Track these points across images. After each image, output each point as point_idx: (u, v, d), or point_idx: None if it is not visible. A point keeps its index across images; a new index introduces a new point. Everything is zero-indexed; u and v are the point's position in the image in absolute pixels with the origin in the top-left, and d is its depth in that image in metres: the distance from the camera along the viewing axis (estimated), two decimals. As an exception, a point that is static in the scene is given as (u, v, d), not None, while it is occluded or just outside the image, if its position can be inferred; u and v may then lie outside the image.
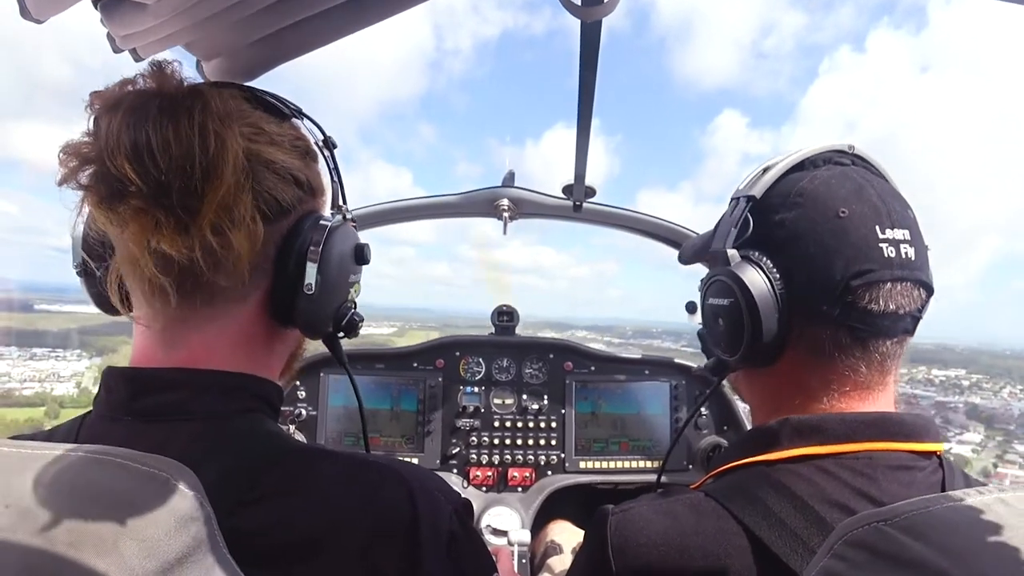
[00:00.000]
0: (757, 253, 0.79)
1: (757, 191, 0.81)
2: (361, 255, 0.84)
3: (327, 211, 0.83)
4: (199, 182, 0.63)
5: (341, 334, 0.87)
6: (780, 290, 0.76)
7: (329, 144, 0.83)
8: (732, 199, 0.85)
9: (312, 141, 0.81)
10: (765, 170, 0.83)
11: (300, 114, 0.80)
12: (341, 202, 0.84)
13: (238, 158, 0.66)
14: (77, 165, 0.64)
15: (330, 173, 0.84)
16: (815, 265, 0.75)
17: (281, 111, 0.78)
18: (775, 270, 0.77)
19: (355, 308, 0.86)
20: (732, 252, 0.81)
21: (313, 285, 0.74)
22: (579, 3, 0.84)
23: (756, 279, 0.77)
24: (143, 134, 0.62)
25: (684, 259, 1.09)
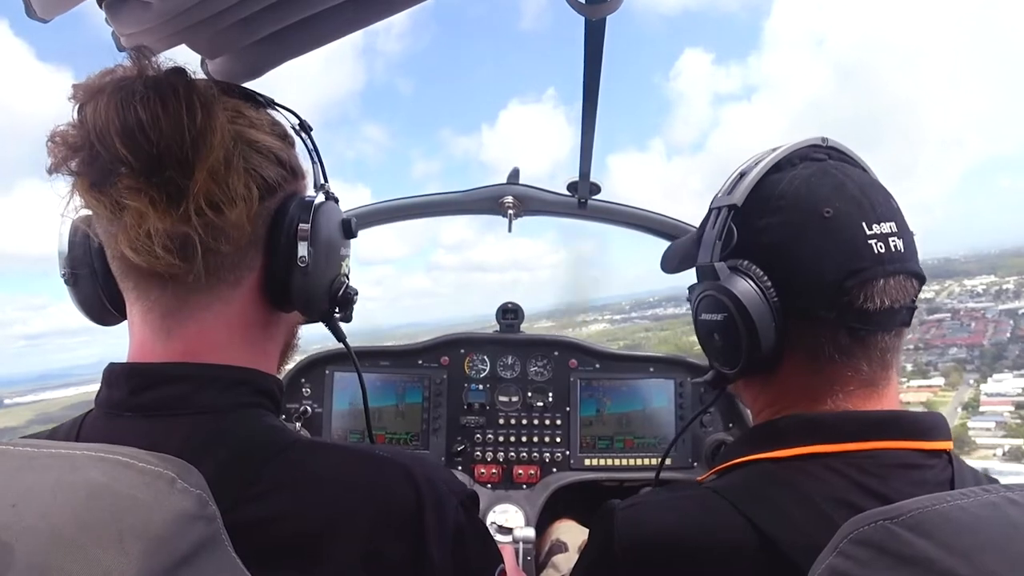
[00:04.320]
0: (745, 262, 0.78)
1: (738, 199, 0.80)
2: (348, 229, 0.86)
3: (310, 192, 0.84)
4: (189, 151, 0.64)
5: (338, 311, 0.88)
6: (773, 298, 0.75)
7: (305, 127, 0.84)
8: (712, 209, 0.84)
9: (288, 127, 0.82)
10: (742, 175, 0.82)
11: (272, 103, 0.81)
12: (322, 180, 0.84)
13: (225, 129, 0.67)
14: (66, 153, 0.65)
15: (309, 154, 0.84)
16: (806, 269, 0.74)
17: (255, 99, 0.79)
18: (765, 278, 0.76)
19: (348, 282, 0.87)
20: (720, 265, 0.79)
21: (307, 258, 0.74)
22: (584, 1, 0.83)
23: (747, 290, 0.75)
24: (132, 111, 0.62)
25: (668, 269, 1.07)
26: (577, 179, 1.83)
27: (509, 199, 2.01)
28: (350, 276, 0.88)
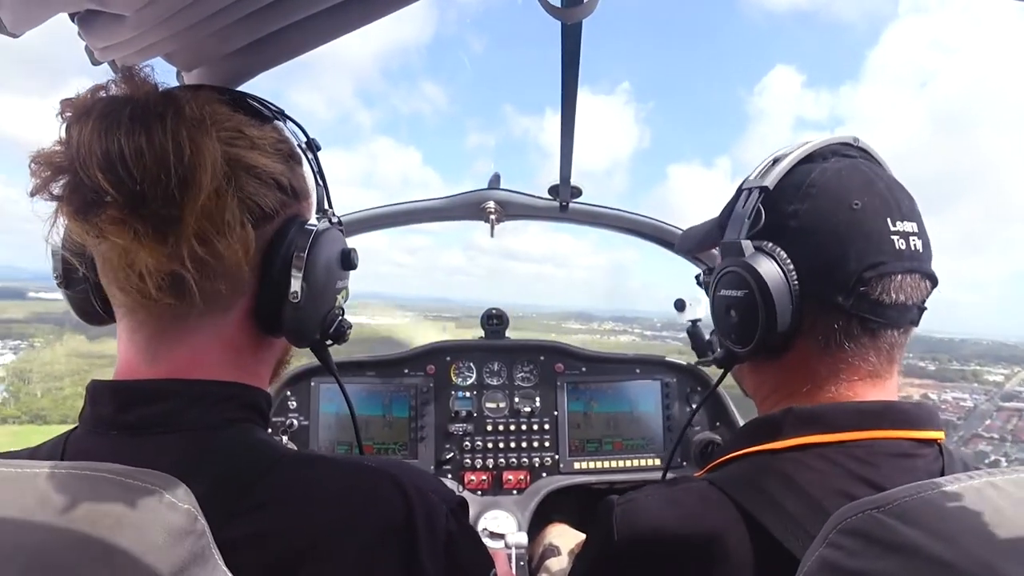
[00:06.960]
0: (770, 244, 0.79)
1: (769, 182, 0.81)
2: (348, 260, 0.83)
3: (313, 215, 0.82)
4: (176, 190, 0.62)
5: (329, 342, 0.86)
6: (794, 281, 0.77)
7: (313, 146, 0.82)
8: (742, 190, 0.86)
9: (295, 144, 0.80)
10: (775, 161, 0.84)
11: (282, 116, 0.79)
12: (326, 205, 0.83)
13: (216, 163, 0.65)
14: (50, 175, 0.63)
15: (314, 176, 0.83)
16: (829, 256, 0.76)
17: (262, 114, 0.77)
18: (788, 261, 0.77)
19: (343, 315, 0.85)
20: (746, 243, 0.81)
21: (299, 293, 0.72)
22: (559, 4, 0.84)
23: (771, 270, 0.77)
24: (115, 143, 0.60)
25: (683, 249, 1.08)
26: (558, 183, 1.85)
27: (491, 204, 2.01)
28: (345, 309, 0.86)
